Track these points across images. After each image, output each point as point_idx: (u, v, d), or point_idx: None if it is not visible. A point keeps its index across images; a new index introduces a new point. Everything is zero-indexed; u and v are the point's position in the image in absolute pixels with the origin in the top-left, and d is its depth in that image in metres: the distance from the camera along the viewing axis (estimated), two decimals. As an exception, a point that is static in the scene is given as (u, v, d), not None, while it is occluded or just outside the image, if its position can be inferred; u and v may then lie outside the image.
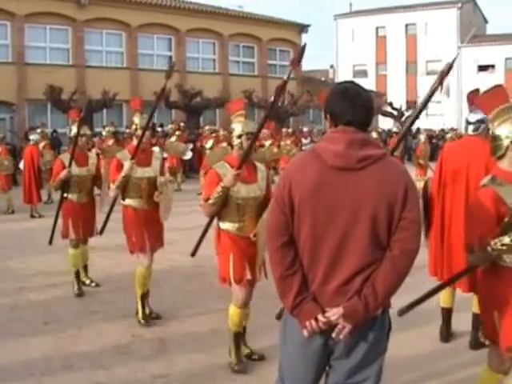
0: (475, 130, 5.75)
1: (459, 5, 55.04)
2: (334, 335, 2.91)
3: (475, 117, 5.75)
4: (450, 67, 4.25)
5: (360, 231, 2.89)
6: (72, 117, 8.37)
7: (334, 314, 2.89)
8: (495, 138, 3.84)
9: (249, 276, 5.23)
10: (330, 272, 2.94)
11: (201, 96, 30.99)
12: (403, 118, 37.05)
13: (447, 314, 6.06)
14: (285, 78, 4.93)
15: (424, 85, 53.16)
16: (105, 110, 29.42)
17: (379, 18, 56.99)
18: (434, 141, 34.22)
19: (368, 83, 50.34)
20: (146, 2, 32.85)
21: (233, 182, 5.05)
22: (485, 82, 51.01)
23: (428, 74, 54.68)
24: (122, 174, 6.50)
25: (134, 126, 6.82)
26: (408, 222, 2.91)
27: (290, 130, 25.05)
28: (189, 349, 5.92)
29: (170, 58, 8.23)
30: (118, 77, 30.96)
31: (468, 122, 5.83)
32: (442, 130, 39.18)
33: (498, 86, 4.07)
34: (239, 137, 5.23)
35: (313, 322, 2.91)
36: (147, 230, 6.63)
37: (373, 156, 2.92)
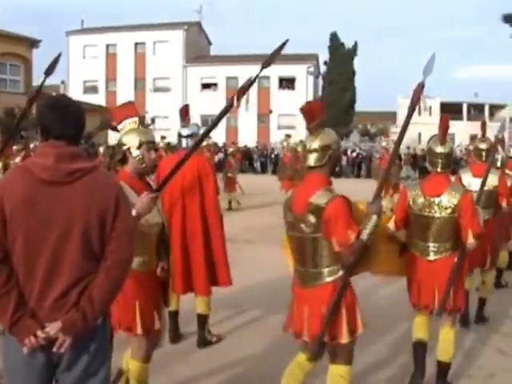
0: (189, 142, 6.16)
1: (186, 27, 57.41)
2: (54, 349, 2.86)
3: (187, 131, 6.26)
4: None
5: (73, 244, 2.88)
6: None
7: (52, 328, 2.84)
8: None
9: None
10: (46, 287, 2.88)
11: None
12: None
13: (174, 316, 6.37)
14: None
15: (152, 101, 54.66)
16: None
17: (110, 35, 57.17)
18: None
19: (98, 99, 50.33)
20: None
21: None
22: (208, 99, 53.46)
23: (155, 90, 56.35)
24: None
25: None
26: (120, 233, 2.96)
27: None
28: None
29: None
30: None
31: (180, 136, 6.28)
32: (169, 143, 40.50)
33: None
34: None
35: (32, 338, 2.83)
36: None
37: (83, 169, 2.92)
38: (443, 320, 5.23)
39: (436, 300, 5.11)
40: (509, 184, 7.53)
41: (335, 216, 3.97)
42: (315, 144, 4.17)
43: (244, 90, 4.34)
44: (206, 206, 6.16)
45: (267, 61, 4.33)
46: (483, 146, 7.22)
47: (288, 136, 19.81)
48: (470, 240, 4.98)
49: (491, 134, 7.32)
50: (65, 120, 2.96)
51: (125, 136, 4.36)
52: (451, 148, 5.33)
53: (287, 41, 4.34)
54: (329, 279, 4.12)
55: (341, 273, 4.10)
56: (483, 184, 6.02)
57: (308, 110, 4.25)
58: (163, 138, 21.52)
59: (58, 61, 5.37)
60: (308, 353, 4.27)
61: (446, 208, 5.07)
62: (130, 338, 4.39)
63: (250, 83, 4.34)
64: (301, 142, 19.85)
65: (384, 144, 18.71)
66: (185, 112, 6.45)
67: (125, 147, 4.34)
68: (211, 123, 4.52)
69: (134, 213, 3.81)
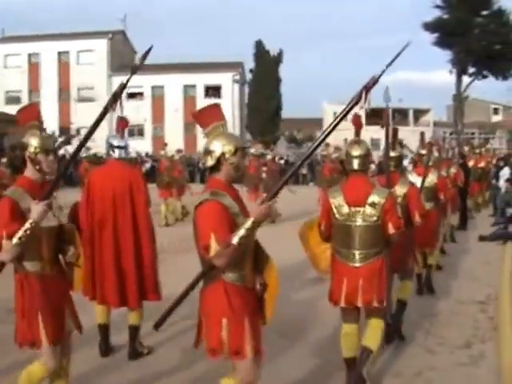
0: (122, 153, 6.24)
1: (110, 35, 56.56)
2: None
3: (120, 141, 6.24)
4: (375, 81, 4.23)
5: None
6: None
7: None
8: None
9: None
10: None
11: None
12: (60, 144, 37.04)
13: (104, 329, 6.29)
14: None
15: (76, 111, 53.68)
16: None
17: (32, 45, 55.64)
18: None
19: (21, 110, 49.06)
20: None
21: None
22: (134, 108, 52.97)
23: (80, 100, 55.25)
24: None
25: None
26: None
27: None
28: None
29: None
30: None
31: (112, 146, 6.23)
32: (95, 154, 39.84)
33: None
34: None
35: None
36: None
37: None
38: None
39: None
40: (444, 180, 9.73)
41: (393, 207, 5.24)
42: (358, 152, 5.29)
43: (369, 88, 4.28)
44: (137, 218, 6.11)
45: (390, 62, 4.30)
46: (424, 151, 9.13)
47: (165, 144, 19.89)
48: (417, 219, 6.47)
49: (415, 138, 8.60)
50: None
51: (216, 142, 4.01)
52: (400, 152, 7.06)
53: (409, 43, 4.30)
54: (379, 256, 5.22)
55: (385, 251, 5.27)
56: (423, 181, 8.21)
57: (356, 123, 5.40)
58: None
59: (146, 57, 4.76)
60: (351, 321, 5.34)
61: (398, 197, 6.37)
62: (236, 362, 3.98)
63: (374, 81, 4.25)
64: (178, 151, 20.16)
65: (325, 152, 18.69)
66: (125, 124, 6.51)
67: (217, 153, 3.98)
68: (331, 125, 4.06)
69: (249, 223, 3.73)
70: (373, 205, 5.16)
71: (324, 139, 4.12)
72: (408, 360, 6.19)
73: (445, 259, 11.01)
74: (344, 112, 4.06)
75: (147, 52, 4.53)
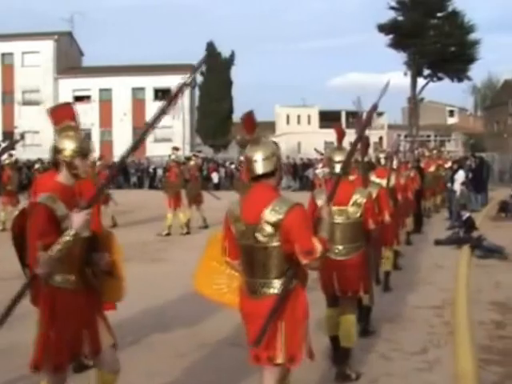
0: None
1: (56, 37, 55.81)
2: None
3: None
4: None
5: None
6: None
7: None
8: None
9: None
10: None
11: None
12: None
13: None
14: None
15: (21, 115, 52.55)
16: None
17: (-26, 46, 54.55)
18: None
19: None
20: None
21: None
22: (82, 112, 52.34)
23: (25, 104, 54.18)
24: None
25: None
26: None
27: None
28: None
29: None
30: None
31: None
32: (41, 160, 39.10)
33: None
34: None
35: None
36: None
37: None
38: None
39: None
40: (402, 182, 10.98)
41: (372, 206, 5.95)
42: (340, 157, 5.79)
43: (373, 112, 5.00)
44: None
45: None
46: (382, 155, 10.01)
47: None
48: (387, 218, 7.19)
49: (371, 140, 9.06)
50: None
51: (269, 147, 4.04)
52: (370, 158, 8.08)
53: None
54: (360, 250, 5.85)
55: (365, 245, 5.91)
56: (388, 183, 8.92)
57: (339, 132, 6.07)
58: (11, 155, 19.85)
59: (208, 57, 4.41)
60: (334, 305, 5.90)
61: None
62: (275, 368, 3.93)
63: (374, 108, 5.09)
64: (99, 158, 19.84)
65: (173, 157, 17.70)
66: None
67: (275, 158, 4.00)
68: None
69: (327, 223, 4.07)
70: (356, 203, 5.76)
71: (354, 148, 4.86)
72: (363, 367, 6.09)
73: (400, 262, 10.97)
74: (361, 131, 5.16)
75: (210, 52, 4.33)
